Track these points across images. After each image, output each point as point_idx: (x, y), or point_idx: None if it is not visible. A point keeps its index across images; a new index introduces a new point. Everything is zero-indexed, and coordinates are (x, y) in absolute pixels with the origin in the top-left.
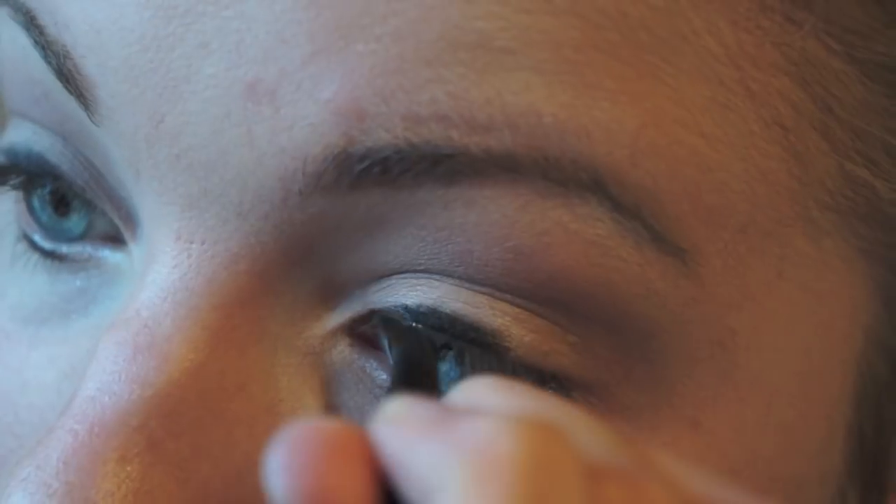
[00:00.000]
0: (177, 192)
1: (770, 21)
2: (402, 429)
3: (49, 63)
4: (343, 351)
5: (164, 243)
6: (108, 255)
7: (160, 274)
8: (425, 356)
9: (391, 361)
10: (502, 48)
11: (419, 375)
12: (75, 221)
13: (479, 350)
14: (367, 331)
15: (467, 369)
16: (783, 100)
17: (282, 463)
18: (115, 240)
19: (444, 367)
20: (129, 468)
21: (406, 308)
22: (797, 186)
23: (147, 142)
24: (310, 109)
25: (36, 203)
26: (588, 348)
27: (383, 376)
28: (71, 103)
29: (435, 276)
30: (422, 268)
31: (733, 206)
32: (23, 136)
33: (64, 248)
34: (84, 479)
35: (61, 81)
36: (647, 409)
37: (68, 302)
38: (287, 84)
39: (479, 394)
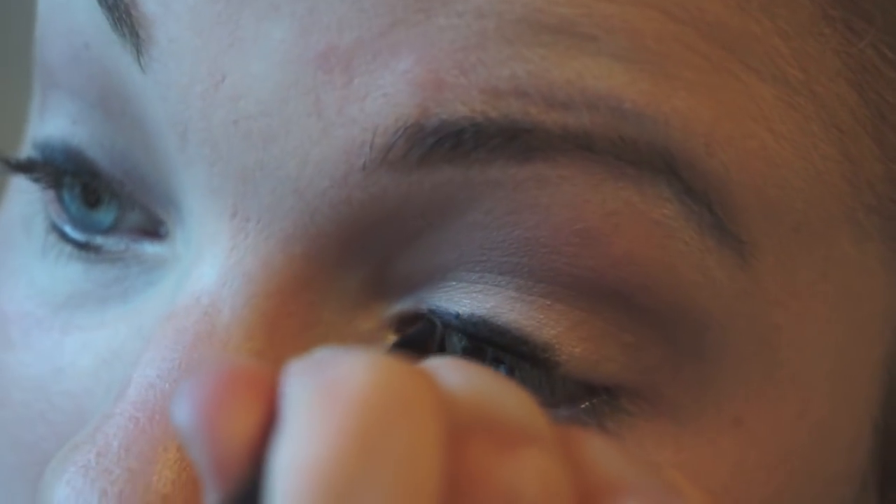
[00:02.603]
0: (230, 163)
1: (832, 29)
2: (296, 365)
3: None
4: (390, 344)
5: (219, 221)
6: (147, 247)
7: (218, 258)
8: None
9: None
10: (584, 34)
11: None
12: (105, 213)
13: (529, 365)
14: (418, 332)
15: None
16: (841, 104)
17: (184, 395)
18: (149, 233)
19: None
20: (189, 456)
21: (458, 316)
22: (848, 188)
23: (202, 99)
24: (386, 79)
25: (65, 194)
26: (641, 348)
27: None
28: (113, 54)
29: (491, 282)
30: (479, 267)
31: (791, 204)
32: (59, 126)
33: (98, 240)
34: (145, 466)
35: (112, 17)
36: (692, 407)
37: (105, 288)
38: (363, 53)
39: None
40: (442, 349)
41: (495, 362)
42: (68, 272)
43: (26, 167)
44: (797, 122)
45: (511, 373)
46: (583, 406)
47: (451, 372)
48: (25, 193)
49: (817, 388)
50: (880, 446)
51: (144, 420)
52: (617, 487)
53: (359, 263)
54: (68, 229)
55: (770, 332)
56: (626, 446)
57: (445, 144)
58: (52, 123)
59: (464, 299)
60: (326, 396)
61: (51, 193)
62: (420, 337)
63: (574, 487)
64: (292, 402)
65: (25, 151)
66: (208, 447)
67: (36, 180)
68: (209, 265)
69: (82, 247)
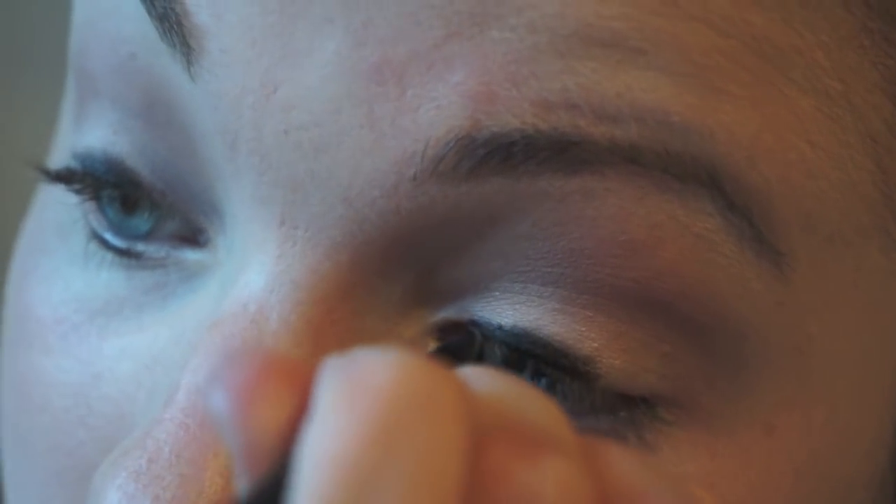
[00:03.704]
0: (280, 172)
1: (870, 41)
2: (333, 362)
3: (152, 6)
4: (433, 352)
5: (266, 229)
6: (189, 253)
7: (265, 265)
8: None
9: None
10: (634, 48)
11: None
12: (143, 219)
13: (569, 377)
14: (458, 341)
15: (559, 397)
16: (877, 114)
17: (219, 381)
18: (188, 239)
19: None
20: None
21: (500, 328)
22: (879, 198)
23: (254, 110)
24: (439, 91)
25: (104, 199)
26: (679, 358)
27: None
28: (161, 63)
29: (535, 293)
30: (524, 277)
31: (826, 214)
32: (99, 136)
33: (139, 247)
34: (197, 472)
35: (162, 28)
36: (726, 415)
37: (143, 294)
38: (417, 65)
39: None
40: (480, 360)
41: (536, 374)
42: (109, 279)
43: (66, 177)
44: (835, 133)
45: (552, 385)
46: (621, 416)
47: (480, 377)
48: (61, 199)
49: (844, 394)
50: None
51: (195, 426)
52: (638, 499)
53: (403, 271)
54: (109, 236)
55: (804, 341)
56: (648, 459)
57: (496, 156)
58: (92, 134)
59: (507, 310)
60: (352, 389)
61: (91, 203)
62: (459, 346)
63: (594, 497)
64: (321, 394)
65: (63, 161)
66: (240, 433)
67: (77, 192)
68: (256, 272)
69: (123, 253)
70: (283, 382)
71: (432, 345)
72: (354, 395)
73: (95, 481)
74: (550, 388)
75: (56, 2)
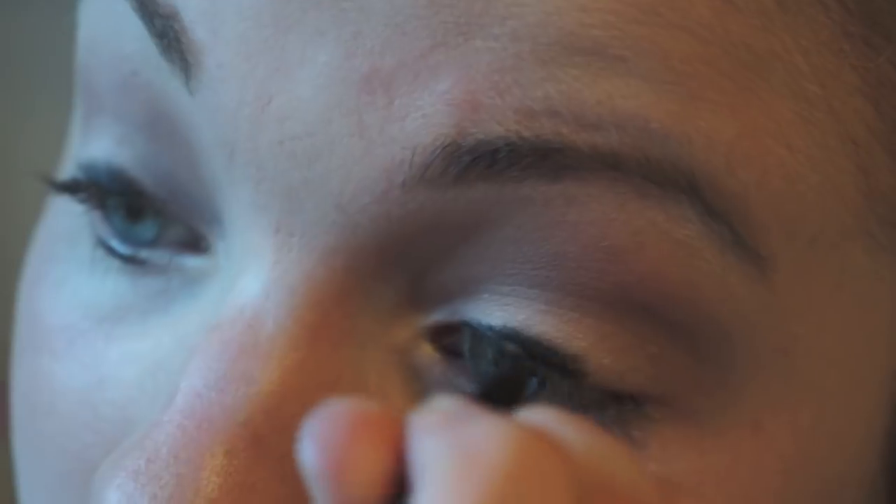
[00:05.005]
0: (276, 181)
1: (850, 45)
2: (425, 420)
3: (152, 24)
4: (426, 354)
5: (263, 236)
6: (190, 259)
7: (262, 271)
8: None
9: (474, 371)
10: (615, 56)
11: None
12: (148, 227)
13: (559, 376)
14: (452, 343)
15: (547, 393)
16: (858, 118)
17: (312, 435)
18: (190, 246)
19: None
20: (235, 462)
21: (491, 328)
22: (862, 201)
23: (250, 122)
24: (425, 100)
25: (110, 208)
26: (666, 359)
27: (464, 383)
28: (161, 79)
29: (522, 294)
30: (511, 280)
31: (808, 218)
32: (102, 147)
33: (143, 253)
34: (194, 472)
35: (162, 45)
36: (714, 413)
37: (147, 300)
38: (404, 74)
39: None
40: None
41: (528, 373)
42: (115, 285)
43: (72, 187)
44: (814, 138)
45: (542, 383)
46: (609, 413)
47: (570, 433)
48: (69, 209)
49: (832, 394)
50: (892, 450)
51: (192, 428)
52: None
53: (395, 275)
54: (115, 244)
55: (788, 342)
56: None
57: (481, 163)
58: (96, 145)
59: (496, 311)
60: (465, 464)
61: (97, 212)
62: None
63: None
64: (429, 463)
65: (69, 172)
66: (335, 491)
67: (82, 201)
68: (253, 278)
69: (128, 260)
70: (375, 437)
71: (426, 346)
72: (467, 470)
73: (96, 481)
74: (541, 386)
75: (67, 16)
